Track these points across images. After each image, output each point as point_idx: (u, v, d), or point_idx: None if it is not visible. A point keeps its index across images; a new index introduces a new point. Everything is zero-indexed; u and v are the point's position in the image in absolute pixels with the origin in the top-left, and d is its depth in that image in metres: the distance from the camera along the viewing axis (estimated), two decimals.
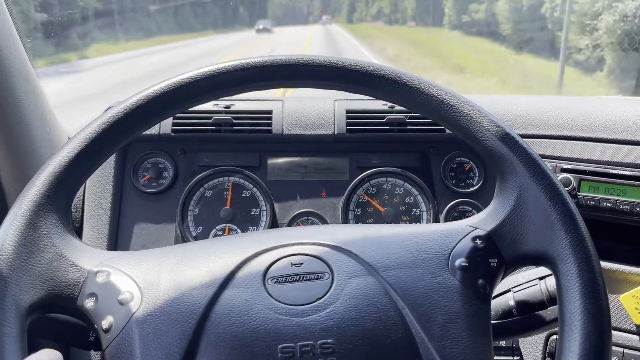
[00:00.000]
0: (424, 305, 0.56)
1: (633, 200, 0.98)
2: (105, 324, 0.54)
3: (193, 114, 1.12)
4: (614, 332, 0.98)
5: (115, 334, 0.53)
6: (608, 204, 1.00)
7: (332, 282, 0.57)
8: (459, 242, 0.61)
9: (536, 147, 1.06)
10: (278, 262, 0.58)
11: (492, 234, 0.61)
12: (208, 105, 1.13)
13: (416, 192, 1.11)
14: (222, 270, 0.57)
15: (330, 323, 0.54)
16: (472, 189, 1.12)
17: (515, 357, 1.02)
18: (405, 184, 1.11)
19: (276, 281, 0.56)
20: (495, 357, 0.99)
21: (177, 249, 0.61)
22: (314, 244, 0.60)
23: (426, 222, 1.10)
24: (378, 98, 0.68)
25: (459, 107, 0.63)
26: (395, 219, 1.10)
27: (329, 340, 0.53)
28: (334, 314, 0.54)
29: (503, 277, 0.62)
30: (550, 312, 0.71)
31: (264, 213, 1.09)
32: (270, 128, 1.12)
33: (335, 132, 1.12)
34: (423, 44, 22.24)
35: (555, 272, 0.58)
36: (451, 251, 0.60)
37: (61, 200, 0.58)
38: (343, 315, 0.54)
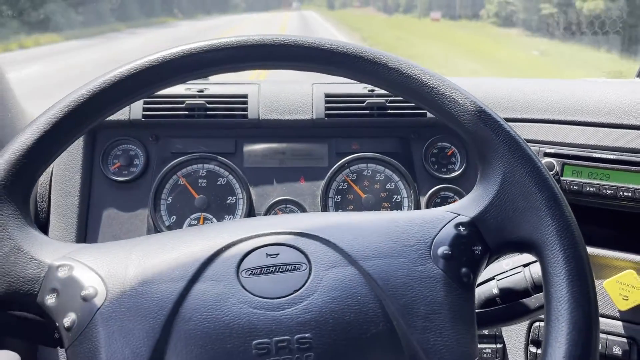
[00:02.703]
0: (406, 296, 0.54)
1: (616, 184, 0.97)
2: (67, 321, 0.51)
3: (165, 98, 1.08)
4: None
5: (78, 332, 0.50)
6: (591, 189, 0.99)
7: (309, 273, 0.54)
8: (441, 229, 0.59)
9: (519, 131, 1.03)
10: (253, 253, 0.55)
11: (476, 221, 0.59)
12: (180, 89, 1.10)
13: (397, 178, 1.09)
14: (193, 262, 0.54)
15: (308, 316, 0.51)
16: (454, 174, 1.10)
17: (498, 345, 1.01)
18: (386, 169, 1.09)
19: (251, 273, 0.54)
20: (478, 346, 0.98)
21: (146, 240, 0.58)
22: (290, 233, 0.57)
23: (407, 209, 1.07)
24: (357, 80, 0.65)
25: (440, 89, 0.61)
26: (375, 206, 1.08)
27: (307, 335, 0.50)
28: (311, 307, 0.52)
29: (487, 265, 0.60)
30: (534, 300, 0.70)
31: (241, 201, 1.06)
32: (246, 113, 1.09)
33: (314, 117, 1.09)
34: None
35: (541, 259, 0.56)
36: (433, 239, 0.58)
37: (18, 190, 0.55)
38: (321, 308, 0.52)
